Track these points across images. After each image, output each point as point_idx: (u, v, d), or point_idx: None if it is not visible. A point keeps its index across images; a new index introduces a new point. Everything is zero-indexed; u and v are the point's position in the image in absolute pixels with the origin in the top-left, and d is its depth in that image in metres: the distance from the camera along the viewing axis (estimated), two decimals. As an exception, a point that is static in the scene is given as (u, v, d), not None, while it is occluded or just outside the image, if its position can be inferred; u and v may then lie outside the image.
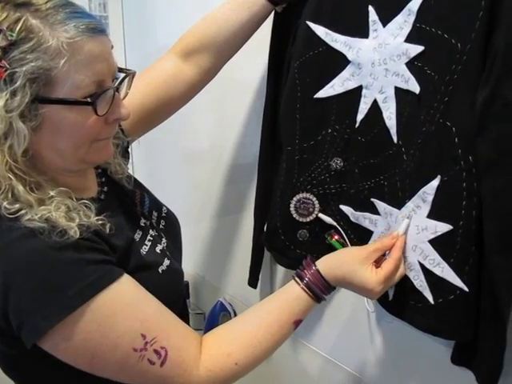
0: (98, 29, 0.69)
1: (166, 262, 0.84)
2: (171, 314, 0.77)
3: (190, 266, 1.53)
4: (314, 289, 0.80)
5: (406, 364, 1.01)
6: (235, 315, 1.39)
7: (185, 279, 1.46)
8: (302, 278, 0.81)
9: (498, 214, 0.72)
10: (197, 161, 1.49)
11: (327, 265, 0.82)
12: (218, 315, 1.39)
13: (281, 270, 1.25)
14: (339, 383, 1.15)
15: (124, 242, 0.77)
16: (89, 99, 0.69)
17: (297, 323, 0.81)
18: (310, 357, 1.22)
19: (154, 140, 1.45)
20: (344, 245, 0.96)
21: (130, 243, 0.79)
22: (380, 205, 0.89)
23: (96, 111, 0.69)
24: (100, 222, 0.73)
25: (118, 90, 0.74)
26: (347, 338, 1.13)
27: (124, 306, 0.71)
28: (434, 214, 0.79)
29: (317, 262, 0.83)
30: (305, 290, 0.80)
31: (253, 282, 1.18)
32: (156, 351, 0.71)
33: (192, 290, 1.56)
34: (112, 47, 0.73)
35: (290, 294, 0.82)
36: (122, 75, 0.76)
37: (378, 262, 0.82)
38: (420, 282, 0.83)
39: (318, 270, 0.81)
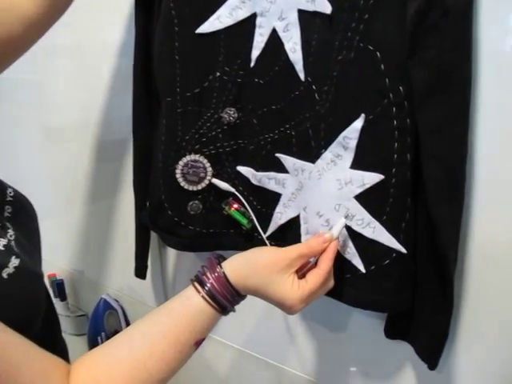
0: None
1: (14, 261, 0.61)
2: (22, 342, 0.54)
3: (64, 261, 1.35)
4: (218, 298, 0.62)
5: (335, 345, 0.89)
6: (123, 312, 1.20)
7: (60, 277, 1.29)
8: (203, 284, 0.63)
9: (441, 154, 0.59)
10: (60, 138, 1.27)
11: (237, 270, 0.64)
12: (103, 315, 1.20)
13: (173, 254, 1.08)
14: (260, 377, 1.01)
15: None
16: None
17: (198, 343, 0.62)
18: (218, 351, 1.06)
19: (8, 115, 1.28)
20: (245, 214, 0.80)
21: None
22: (288, 160, 0.73)
23: None
24: None
25: None
26: (261, 323, 0.98)
27: None
28: (359, 163, 0.65)
29: (223, 264, 0.64)
30: (206, 300, 0.62)
31: (140, 271, 1.00)
32: None
33: (69, 289, 1.36)
34: None
35: (188, 306, 0.62)
36: None
37: (301, 268, 0.65)
38: (348, 249, 0.68)
39: (224, 275, 0.63)
